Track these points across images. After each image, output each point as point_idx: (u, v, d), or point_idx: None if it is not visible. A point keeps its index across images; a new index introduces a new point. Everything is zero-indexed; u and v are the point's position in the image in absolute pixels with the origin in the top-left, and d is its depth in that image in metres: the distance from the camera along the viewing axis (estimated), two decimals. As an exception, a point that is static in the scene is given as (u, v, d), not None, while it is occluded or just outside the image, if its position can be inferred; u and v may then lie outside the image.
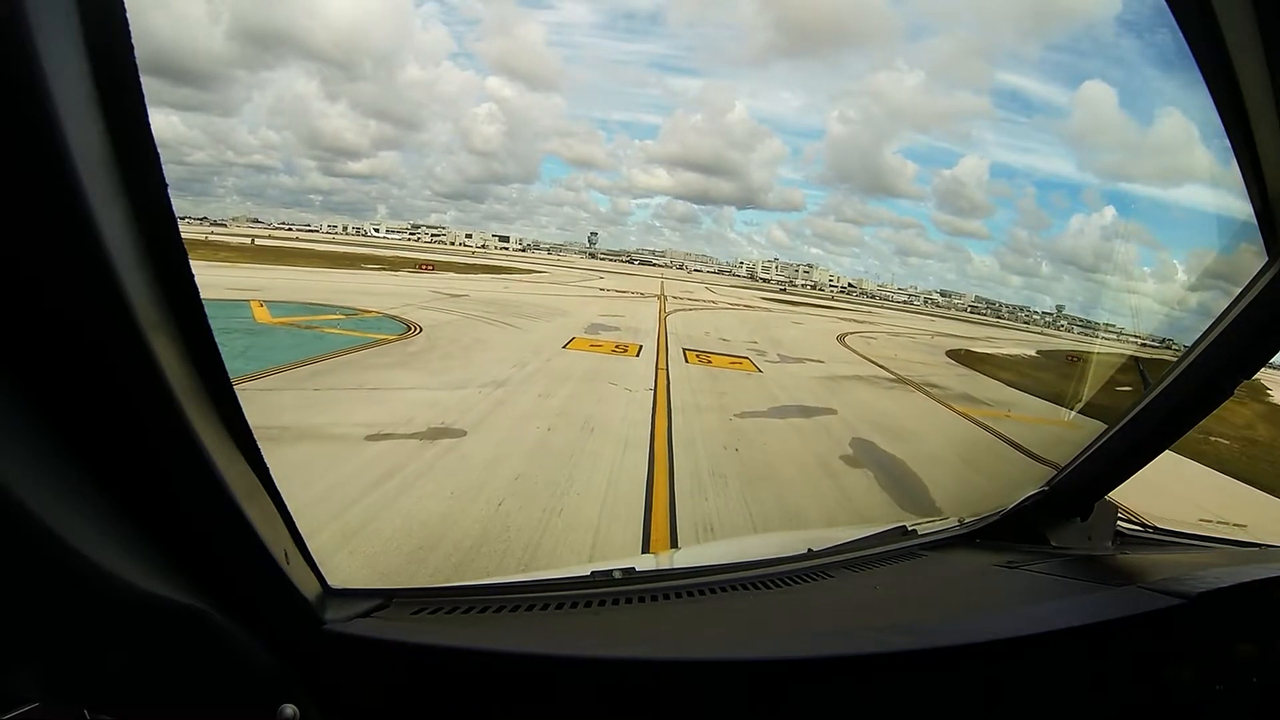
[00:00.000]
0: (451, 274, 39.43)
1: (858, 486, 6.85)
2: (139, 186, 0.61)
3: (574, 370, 11.62)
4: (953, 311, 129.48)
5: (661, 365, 13.51)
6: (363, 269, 35.63)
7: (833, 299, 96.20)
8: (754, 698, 1.03)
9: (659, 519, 5.29)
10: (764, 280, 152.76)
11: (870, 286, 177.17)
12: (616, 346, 15.47)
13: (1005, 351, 33.51)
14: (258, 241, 54.23)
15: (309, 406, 7.34)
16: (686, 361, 14.55)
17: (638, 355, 14.57)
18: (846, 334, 29.38)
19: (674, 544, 4.97)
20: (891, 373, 17.37)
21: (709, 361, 14.95)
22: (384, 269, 37.38)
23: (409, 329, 14.11)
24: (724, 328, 24.46)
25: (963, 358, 25.82)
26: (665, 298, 39.42)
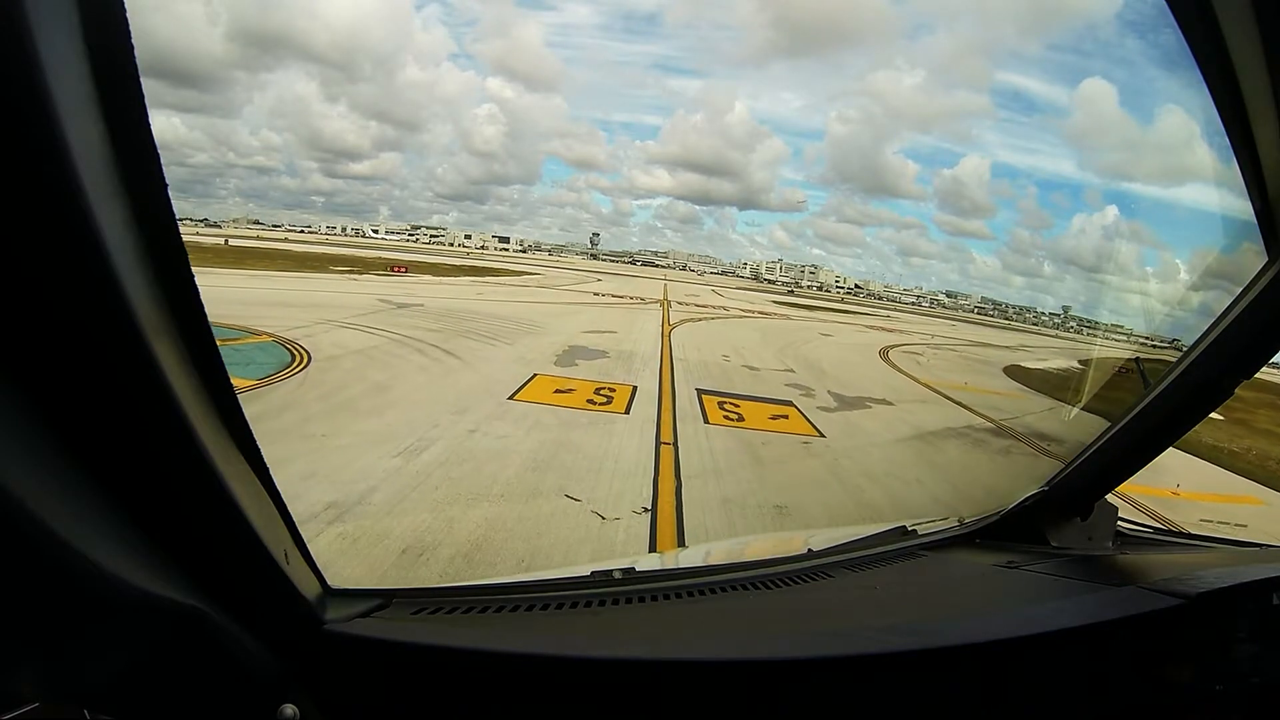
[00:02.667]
0: (428, 276, 36.30)
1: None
2: (139, 186, 0.61)
3: (508, 458, 6.58)
4: (960, 313, 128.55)
5: (666, 433, 8.29)
6: (329, 271, 32.24)
7: (842, 301, 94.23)
8: (754, 698, 1.03)
9: None
10: (769, 282, 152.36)
11: (877, 288, 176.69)
12: (597, 392, 10.29)
13: (1057, 365, 28.38)
14: (231, 242, 51.99)
15: None
16: (706, 419, 9.38)
17: (628, 410, 9.38)
18: (888, 348, 24.91)
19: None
20: (983, 417, 12.77)
21: (739, 418, 9.68)
22: (350, 272, 33.84)
23: (292, 363, 9.93)
24: (744, 345, 19.55)
25: (1026, 378, 21.52)
26: (669, 304, 34.92)
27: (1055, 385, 20.22)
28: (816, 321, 37.09)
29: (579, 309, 25.78)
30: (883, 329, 38.32)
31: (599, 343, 16.09)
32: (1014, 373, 23.04)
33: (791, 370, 15.58)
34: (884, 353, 23.33)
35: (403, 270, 38.42)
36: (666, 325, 22.96)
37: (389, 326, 14.67)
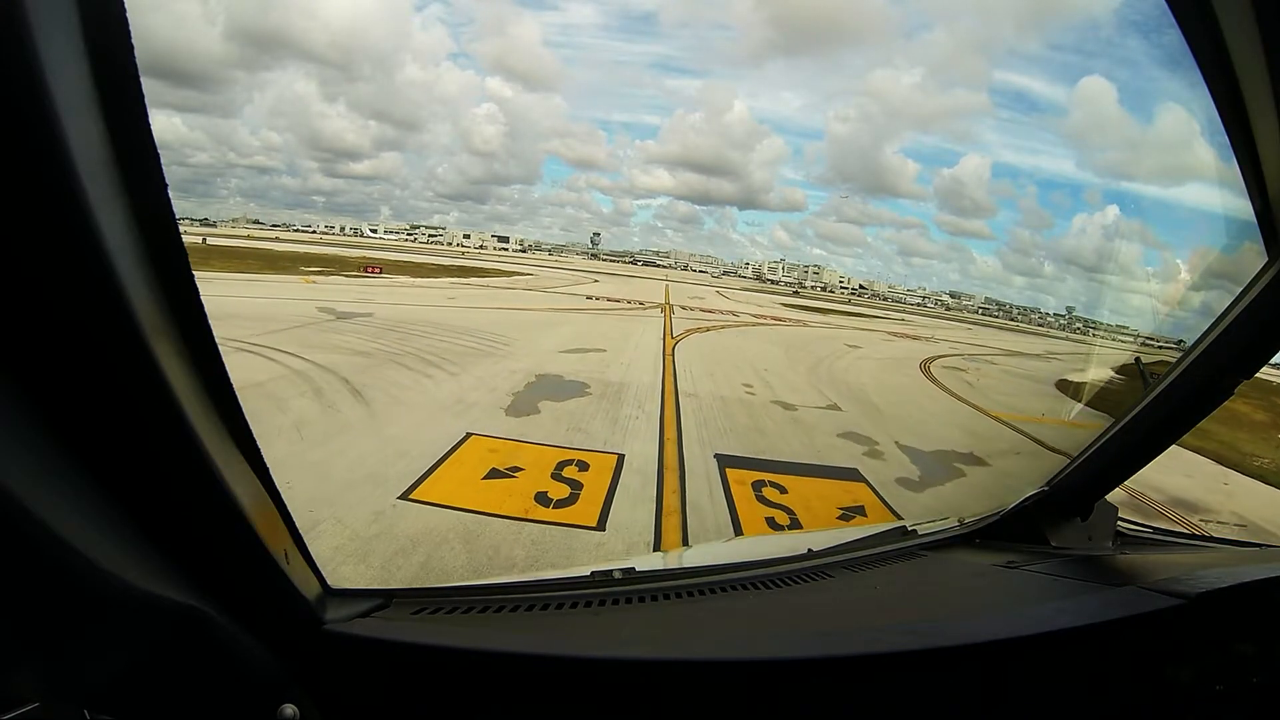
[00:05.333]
0: (405, 278, 33.39)
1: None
2: (139, 186, 0.62)
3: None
4: (965, 314, 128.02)
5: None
6: (296, 272, 29.27)
7: (849, 302, 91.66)
8: (754, 698, 1.03)
9: None
10: (772, 282, 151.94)
11: (881, 288, 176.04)
12: (557, 473, 6.42)
13: (1104, 377, 23.43)
14: (210, 241, 47.56)
15: None
16: (739, 532, 5.61)
17: (601, 520, 5.51)
18: (927, 363, 21.62)
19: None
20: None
21: (792, 522, 5.94)
22: (320, 272, 30.89)
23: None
24: (767, 366, 15.74)
25: (1087, 397, 15.90)
26: (670, 308, 31.46)
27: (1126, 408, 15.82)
28: (835, 328, 33.81)
29: (566, 317, 21.96)
30: (906, 336, 35.12)
31: (580, 368, 12.18)
32: (1070, 390, 19.55)
33: (837, 407, 11.68)
34: (925, 368, 20.13)
35: (377, 271, 35.29)
36: (669, 338, 19.16)
37: (304, 349, 10.98)
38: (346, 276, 30.56)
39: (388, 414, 7.96)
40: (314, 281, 25.89)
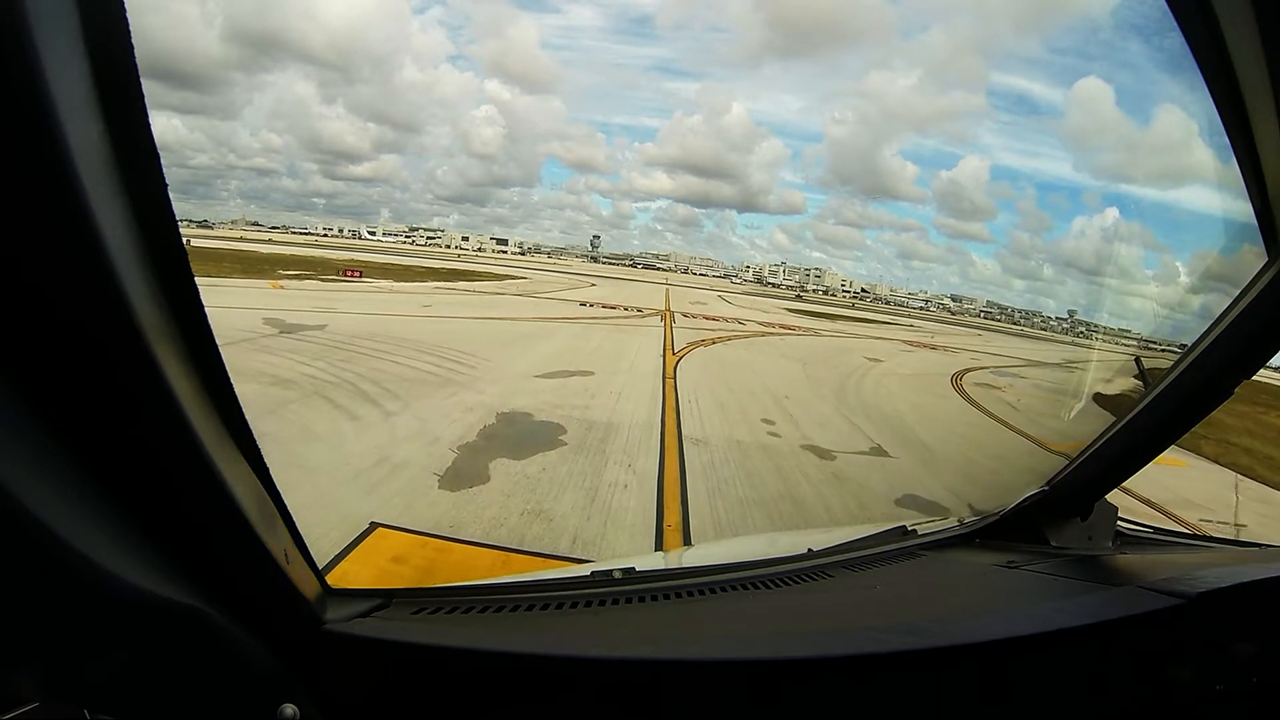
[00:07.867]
0: (387, 281, 31.73)
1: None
2: (139, 187, 0.62)
3: None
4: (968, 318, 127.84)
5: None
6: (269, 276, 27.32)
7: (853, 306, 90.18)
8: (754, 698, 1.03)
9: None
10: (773, 285, 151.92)
11: (884, 291, 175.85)
12: None
13: (1132, 387, 16.35)
14: (193, 244, 44.09)
15: None
16: None
17: None
18: (958, 377, 19.90)
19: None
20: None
21: None
22: (295, 276, 29.01)
23: None
24: (786, 391, 13.22)
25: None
26: (671, 315, 29.39)
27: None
28: (848, 337, 31.62)
29: (553, 328, 19.38)
30: (922, 345, 32.95)
31: (558, 401, 9.64)
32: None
33: (882, 450, 9.30)
34: (958, 385, 18.11)
35: (357, 274, 33.10)
36: (669, 355, 16.60)
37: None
38: (323, 280, 28.29)
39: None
40: (282, 287, 23.59)
